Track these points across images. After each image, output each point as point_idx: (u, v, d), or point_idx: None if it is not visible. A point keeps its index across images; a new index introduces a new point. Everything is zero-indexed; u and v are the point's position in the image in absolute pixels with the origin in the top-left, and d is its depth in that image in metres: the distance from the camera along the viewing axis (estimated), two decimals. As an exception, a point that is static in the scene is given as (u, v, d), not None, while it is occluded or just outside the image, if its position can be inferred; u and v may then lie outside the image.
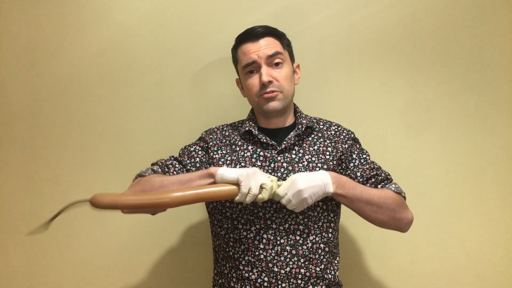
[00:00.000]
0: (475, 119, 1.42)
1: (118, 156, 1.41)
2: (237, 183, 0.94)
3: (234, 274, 1.06)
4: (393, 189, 1.08)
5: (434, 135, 1.42)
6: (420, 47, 1.42)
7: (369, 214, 1.04)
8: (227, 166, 1.08)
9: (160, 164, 1.11)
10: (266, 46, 1.09)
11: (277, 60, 1.09)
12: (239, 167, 1.07)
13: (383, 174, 1.12)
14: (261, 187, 0.94)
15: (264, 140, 1.10)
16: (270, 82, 1.07)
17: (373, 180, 1.10)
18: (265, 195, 0.95)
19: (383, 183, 1.11)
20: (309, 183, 0.96)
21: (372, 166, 1.12)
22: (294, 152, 1.10)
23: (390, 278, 1.42)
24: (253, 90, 1.10)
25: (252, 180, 0.93)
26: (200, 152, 1.13)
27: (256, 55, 1.08)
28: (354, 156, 1.13)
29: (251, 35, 1.10)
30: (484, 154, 1.42)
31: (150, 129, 1.41)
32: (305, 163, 1.08)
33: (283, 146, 1.09)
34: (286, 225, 1.04)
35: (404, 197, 1.10)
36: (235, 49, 1.15)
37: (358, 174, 1.11)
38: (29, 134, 1.42)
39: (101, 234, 1.41)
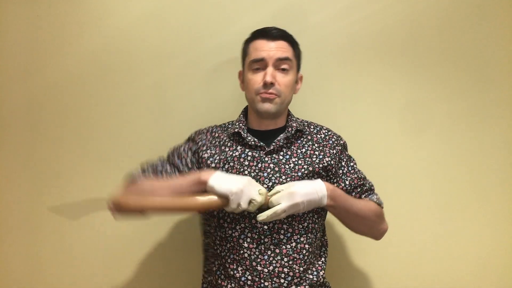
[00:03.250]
0: (476, 119, 1.40)
1: (117, 156, 1.42)
2: (227, 198, 0.97)
3: (222, 272, 1.08)
4: (375, 200, 1.15)
5: (434, 135, 1.41)
6: (420, 47, 1.40)
7: (351, 224, 1.13)
8: (216, 165, 1.10)
9: (151, 169, 1.13)
10: (279, 48, 1.10)
11: (284, 66, 1.10)
12: (228, 167, 1.09)
13: (367, 185, 1.17)
14: (251, 202, 0.97)
15: (252, 142, 1.11)
16: (272, 83, 1.08)
17: (358, 190, 1.15)
18: (253, 208, 0.98)
19: (366, 193, 1.16)
20: (307, 196, 0.99)
21: (359, 176, 1.16)
22: (282, 153, 1.11)
23: (390, 277, 1.41)
24: (254, 87, 1.10)
25: (242, 198, 0.96)
26: (189, 153, 1.16)
27: (266, 54, 1.09)
28: (343, 163, 1.15)
29: (268, 33, 1.12)
30: (484, 154, 1.40)
31: (149, 130, 1.43)
32: (292, 165, 1.09)
33: (272, 147, 1.10)
34: (271, 224, 1.05)
35: (382, 207, 1.16)
36: (247, 42, 1.16)
37: (347, 182, 1.13)
38: (28, 134, 1.43)
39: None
